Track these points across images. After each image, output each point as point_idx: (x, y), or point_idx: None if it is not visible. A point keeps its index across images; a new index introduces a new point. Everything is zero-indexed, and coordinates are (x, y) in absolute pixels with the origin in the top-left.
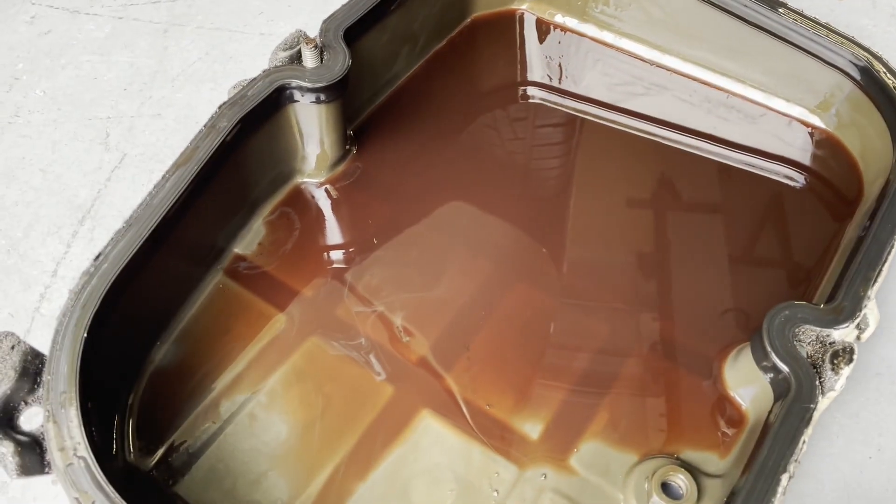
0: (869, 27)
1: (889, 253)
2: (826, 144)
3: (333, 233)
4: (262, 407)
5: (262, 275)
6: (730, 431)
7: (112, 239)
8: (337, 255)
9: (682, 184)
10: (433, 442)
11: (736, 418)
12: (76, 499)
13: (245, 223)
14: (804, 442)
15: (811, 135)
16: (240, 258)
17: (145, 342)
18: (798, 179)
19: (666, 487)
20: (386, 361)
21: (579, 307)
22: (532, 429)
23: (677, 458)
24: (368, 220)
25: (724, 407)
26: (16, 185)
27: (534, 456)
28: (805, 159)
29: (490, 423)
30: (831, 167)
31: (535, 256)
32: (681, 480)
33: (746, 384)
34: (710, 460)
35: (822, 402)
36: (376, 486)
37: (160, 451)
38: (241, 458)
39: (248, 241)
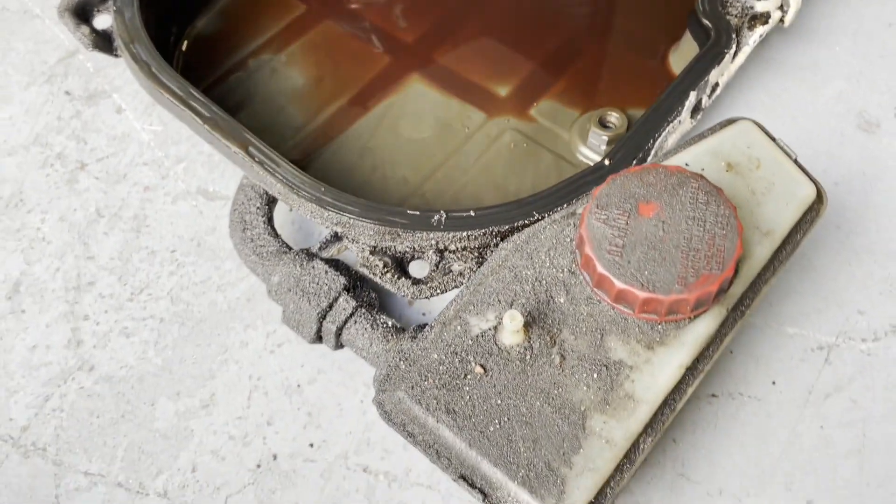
0: None
1: None
2: None
3: None
4: (283, 64)
5: None
6: None
7: None
8: None
9: None
10: (419, 95)
11: None
12: (137, 68)
13: None
14: (718, 84)
15: None
16: None
17: (189, 11)
18: None
19: (601, 124)
20: (385, 39)
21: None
22: (502, 90)
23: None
24: None
25: (664, 83)
26: None
27: (501, 107)
28: None
29: (467, 84)
30: None
31: None
32: (614, 118)
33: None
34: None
35: (739, 57)
36: (371, 119)
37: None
38: (266, 95)
39: None
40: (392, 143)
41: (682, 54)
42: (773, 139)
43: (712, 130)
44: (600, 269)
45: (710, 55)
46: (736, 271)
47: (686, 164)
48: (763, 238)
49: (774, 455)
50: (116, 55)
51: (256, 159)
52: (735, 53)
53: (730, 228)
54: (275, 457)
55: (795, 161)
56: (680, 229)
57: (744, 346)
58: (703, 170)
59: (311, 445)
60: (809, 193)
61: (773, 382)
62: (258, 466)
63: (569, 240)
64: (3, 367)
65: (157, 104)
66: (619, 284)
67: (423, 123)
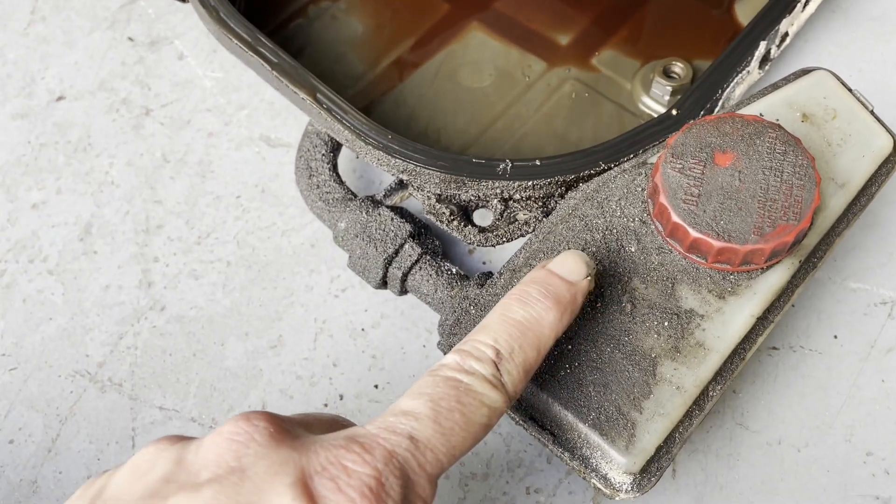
0: None
1: None
2: None
3: None
4: (342, 12)
5: None
6: None
7: None
8: None
9: None
10: (479, 44)
11: None
12: (206, 13)
13: None
14: (787, 34)
15: None
16: None
17: None
18: None
19: (666, 74)
20: None
21: None
22: (563, 38)
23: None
24: None
25: (729, 34)
26: None
27: (562, 56)
28: None
29: (528, 33)
30: None
31: None
32: (679, 68)
33: (753, 10)
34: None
35: (810, 6)
36: (430, 68)
37: None
38: (326, 43)
39: None
40: (451, 93)
41: (749, 4)
42: (850, 90)
43: (787, 80)
44: (675, 217)
45: (782, 4)
46: (811, 222)
47: (760, 114)
48: (838, 189)
49: (834, 407)
50: (185, 0)
51: (324, 105)
52: (806, 3)
53: (808, 179)
54: (341, 397)
55: (872, 112)
56: (757, 179)
57: (806, 300)
58: (777, 120)
59: (376, 387)
60: (886, 145)
61: (835, 336)
62: (325, 405)
63: (640, 189)
64: (79, 306)
65: (218, 51)
66: (693, 233)
67: (482, 72)
